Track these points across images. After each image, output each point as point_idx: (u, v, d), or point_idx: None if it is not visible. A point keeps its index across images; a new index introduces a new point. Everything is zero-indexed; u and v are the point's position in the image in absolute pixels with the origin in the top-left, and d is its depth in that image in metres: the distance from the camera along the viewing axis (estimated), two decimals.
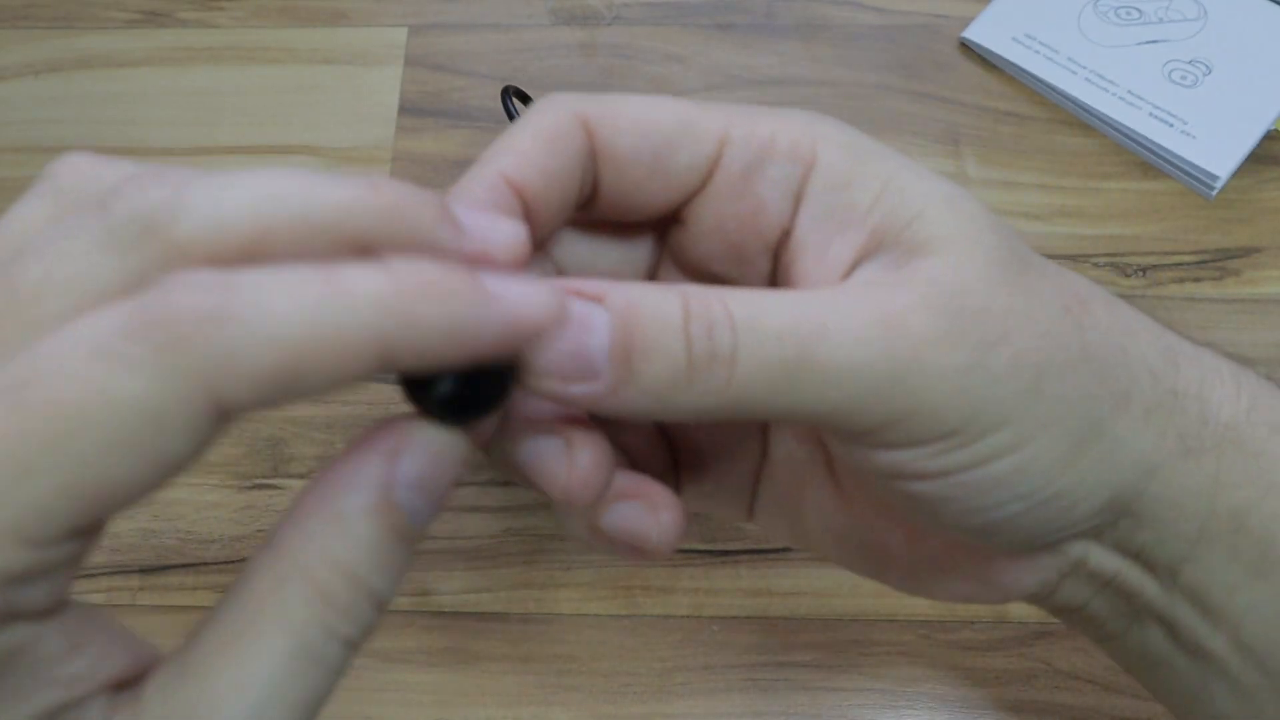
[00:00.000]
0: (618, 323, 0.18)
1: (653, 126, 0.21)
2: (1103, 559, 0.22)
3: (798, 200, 0.22)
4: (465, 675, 0.36)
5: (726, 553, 0.37)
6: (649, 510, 0.22)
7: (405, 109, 0.47)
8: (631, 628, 0.36)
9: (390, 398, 0.40)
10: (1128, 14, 0.46)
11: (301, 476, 0.39)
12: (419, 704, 0.36)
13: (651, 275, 0.25)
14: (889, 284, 0.20)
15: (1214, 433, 0.21)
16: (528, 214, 0.21)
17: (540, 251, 0.23)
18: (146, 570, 0.38)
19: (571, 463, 0.20)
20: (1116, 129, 0.44)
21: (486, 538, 0.38)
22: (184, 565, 0.38)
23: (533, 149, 0.21)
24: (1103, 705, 0.35)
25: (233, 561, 0.38)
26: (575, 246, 0.24)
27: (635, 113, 0.21)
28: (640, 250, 0.24)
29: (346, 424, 0.40)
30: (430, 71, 0.48)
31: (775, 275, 0.23)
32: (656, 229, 0.24)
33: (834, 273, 0.21)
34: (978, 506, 0.20)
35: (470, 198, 0.20)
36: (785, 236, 0.22)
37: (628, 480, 0.22)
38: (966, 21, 0.47)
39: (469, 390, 0.18)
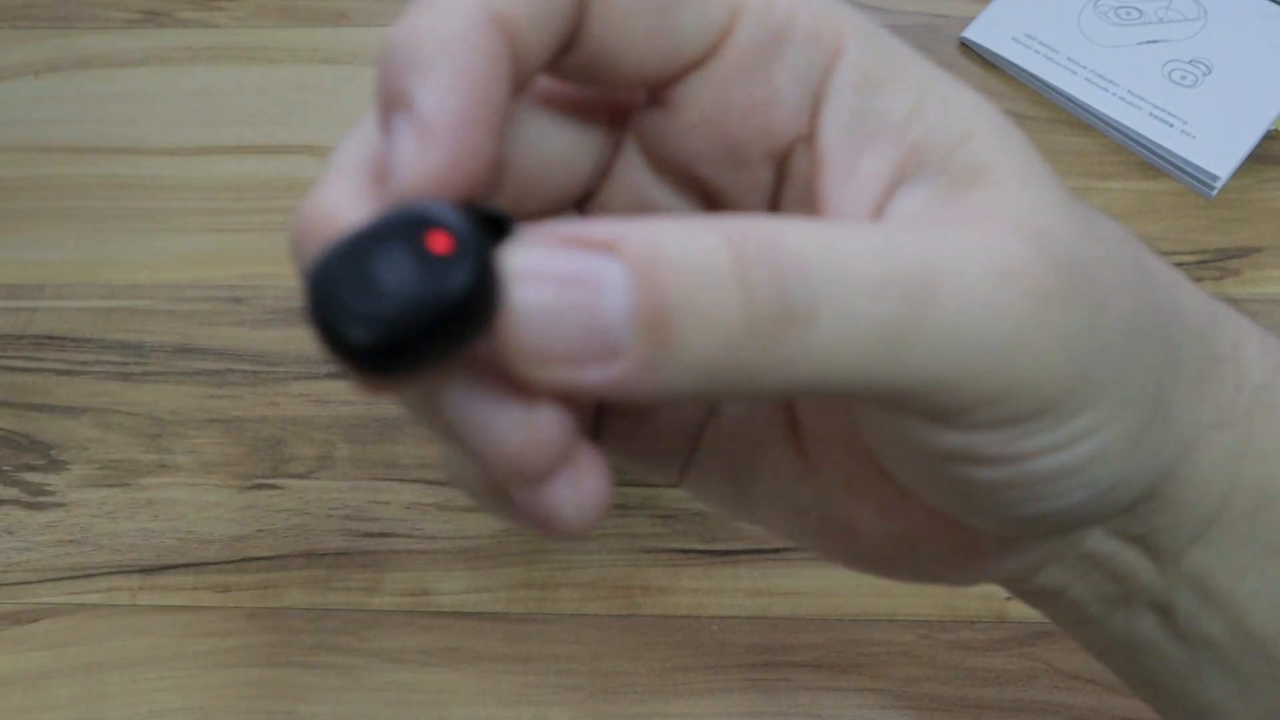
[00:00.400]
0: (641, 278, 0.14)
1: None
2: (1100, 542, 0.20)
3: (817, 98, 0.17)
4: (465, 675, 0.36)
5: (726, 553, 0.37)
6: (571, 481, 0.16)
7: None
8: (631, 628, 0.36)
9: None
10: (1128, 14, 0.46)
11: (302, 477, 0.39)
12: (419, 704, 0.36)
13: (604, 172, 0.20)
14: (972, 219, 0.16)
15: (1246, 398, 0.19)
16: (511, 63, 0.16)
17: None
18: (146, 570, 0.38)
19: (531, 424, 0.15)
20: (1116, 129, 0.44)
21: (486, 537, 0.38)
22: (184, 565, 0.38)
23: None
24: (1103, 705, 0.35)
25: (233, 561, 0.38)
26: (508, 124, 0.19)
27: None
28: (593, 136, 0.19)
29: (347, 424, 0.40)
30: None
31: (779, 191, 0.19)
32: (614, 111, 0.19)
33: (867, 194, 0.17)
34: (1039, 495, 0.17)
35: (446, 50, 0.15)
36: (796, 141, 0.18)
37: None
38: (966, 21, 0.47)
39: (402, 339, 0.13)
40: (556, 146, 0.19)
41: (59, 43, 0.49)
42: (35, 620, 0.37)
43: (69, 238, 0.45)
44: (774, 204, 0.19)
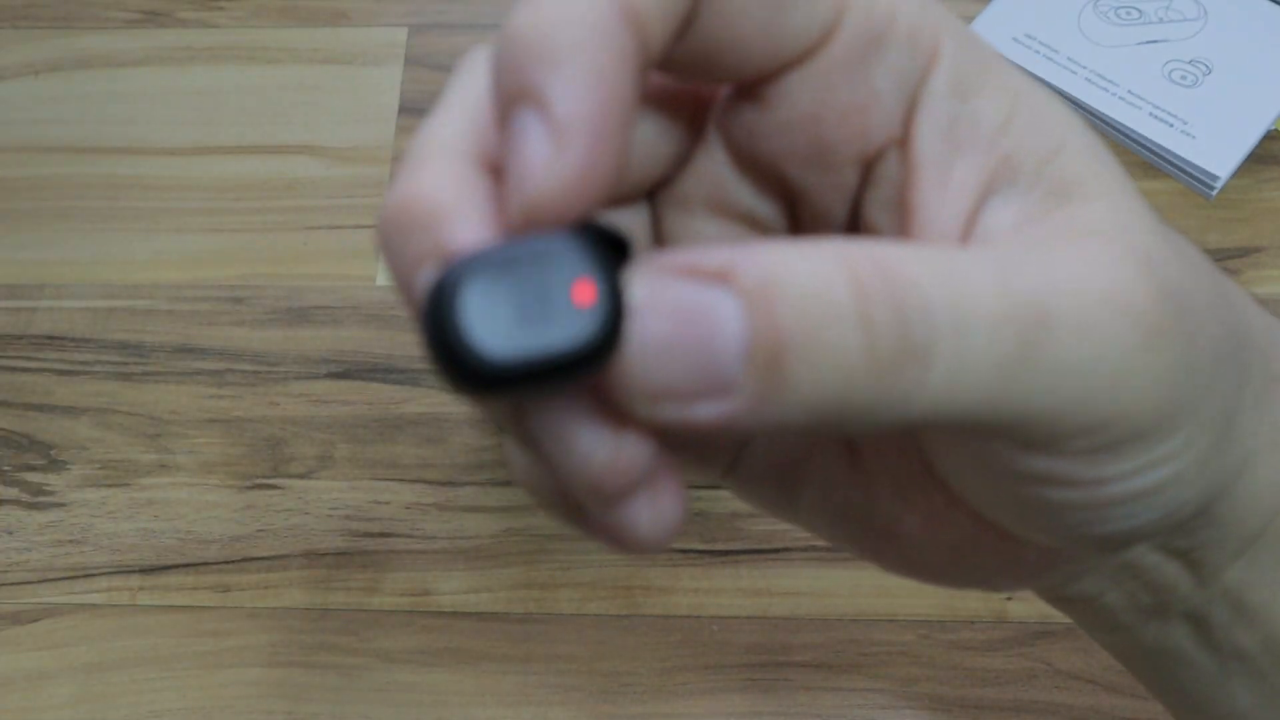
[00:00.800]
0: (756, 311, 0.13)
1: None
2: (1143, 555, 0.20)
3: (912, 102, 0.17)
4: (465, 675, 0.36)
5: (726, 553, 0.37)
6: (648, 499, 0.16)
7: (406, 109, 0.47)
8: (631, 628, 0.36)
9: (391, 398, 0.40)
10: (1128, 14, 0.46)
11: (302, 477, 0.39)
12: (419, 704, 0.36)
13: (684, 162, 0.19)
14: (1078, 237, 0.16)
15: None
16: (641, 57, 0.15)
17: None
18: (146, 570, 0.38)
19: (618, 448, 0.15)
20: (1117, 129, 0.44)
21: (487, 538, 0.38)
22: (184, 565, 0.38)
23: None
24: (1103, 705, 0.35)
25: (233, 561, 0.38)
26: None
27: None
28: (676, 125, 0.18)
29: (346, 424, 0.40)
30: (431, 71, 0.48)
31: (862, 194, 0.18)
32: (699, 101, 0.19)
33: (959, 204, 0.17)
34: (1109, 517, 0.17)
35: (580, 44, 0.14)
36: (888, 145, 0.17)
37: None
38: (966, 22, 0.47)
39: (526, 376, 0.13)
40: (640, 134, 0.18)
41: (59, 43, 0.49)
42: (35, 620, 0.37)
43: (69, 238, 0.45)
44: (856, 207, 0.19)
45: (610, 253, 0.14)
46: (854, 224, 0.19)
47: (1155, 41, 0.45)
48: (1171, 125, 0.43)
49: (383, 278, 0.42)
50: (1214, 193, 0.43)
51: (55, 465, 0.40)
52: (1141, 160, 0.44)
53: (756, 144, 0.18)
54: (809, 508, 0.22)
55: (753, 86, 0.17)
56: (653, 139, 0.18)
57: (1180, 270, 0.16)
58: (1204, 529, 0.19)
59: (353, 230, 0.43)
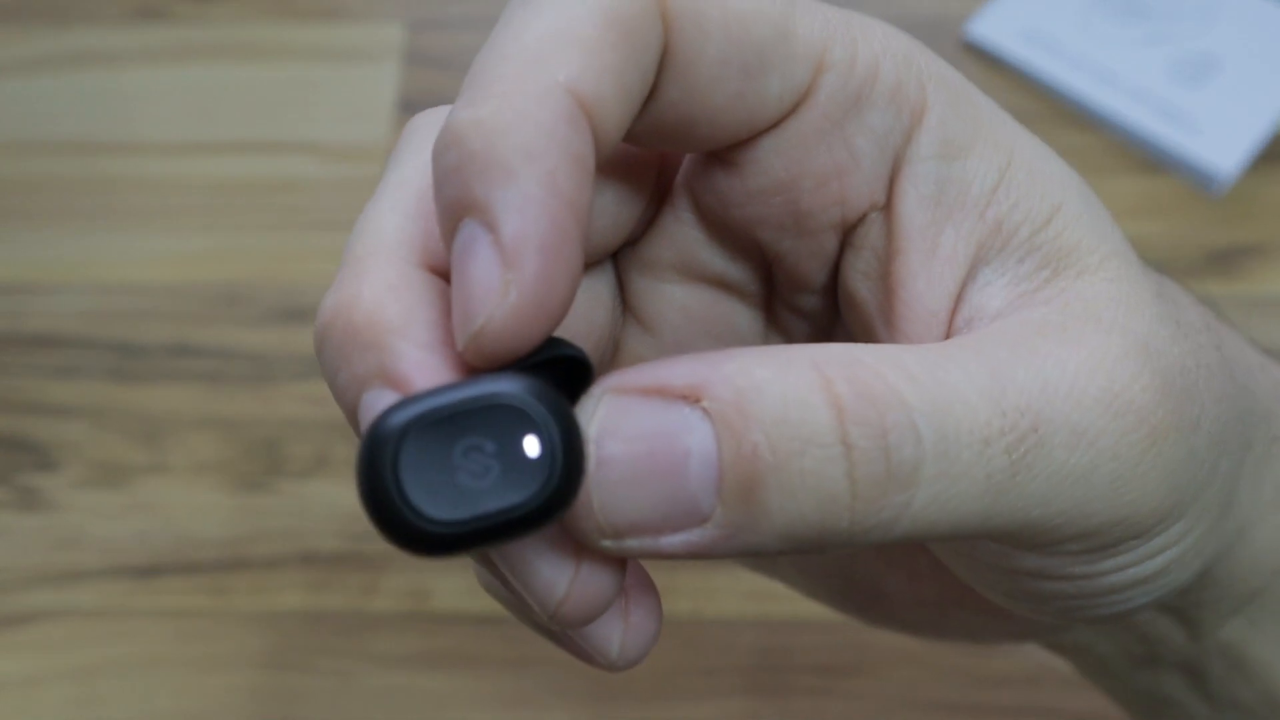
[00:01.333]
0: (729, 435, 0.12)
1: (746, 32, 0.14)
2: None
3: (896, 164, 0.16)
4: (463, 678, 0.36)
5: None
6: (618, 620, 0.15)
7: (402, 106, 0.46)
8: None
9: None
10: (1133, 10, 0.46)
11: (298, 478, 0.39)
12: (416, 708, 0.35)
13: (649, 223, 0.18)
14: (1070, 328, 0.15)
15: None
16: (595, 156, 0.14)
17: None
18: (140, 573, 0.38)
19: (581, 577, 0.14)
20: (1121, 126, 0.44)
21: None
22: (179, 568, 0.38)
23: (602, 43, 0.13)
24: (1108, 710, 0.34)
25: (228, 564, 0.38)
26: None
27: (726, 8, 0.14)
28: (639, 190, 0.17)
29: (343, 425, 0.40)
30: (427, 68, 0.47)
31: (842, 259, 0.17)
32: (663, 164, 0.17)
33: (948, 275, 0.16)
34: (1102, 603, 0.16)
35: (531, 156, 0.13)
36: (870, 210, 0.16)
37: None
38: (970, 18, 0.47)
39: (474, 539, 0.12)
40: (601, 202, 0.17)
41: (53, 38, 0.49)
42: (28, 623, 0.37)
43: (61, 236, 0.44)
44: (835, 271, 0.17)
45: (567, 379, 0.13)
46: (833, 288, 0.18)
47: (1160, 38, 0.45)
48: (1177, 122, 0.43)
49: None
50: (1220, 190, 0.42)
51: (48, 467, 0.40)
52: (1147, 158, 0.44)
53: (728, 210, 0.17)
54: (788, 563, 0.21)
55: (723, 151, 0.16)
56: (613, 205, 0.17)
57: (1182, 351, 0.15)
58: (1200, 590, 0.18)
59: (350, 229, 0.43)
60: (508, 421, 0.12)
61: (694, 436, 0.13)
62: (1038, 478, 0.14)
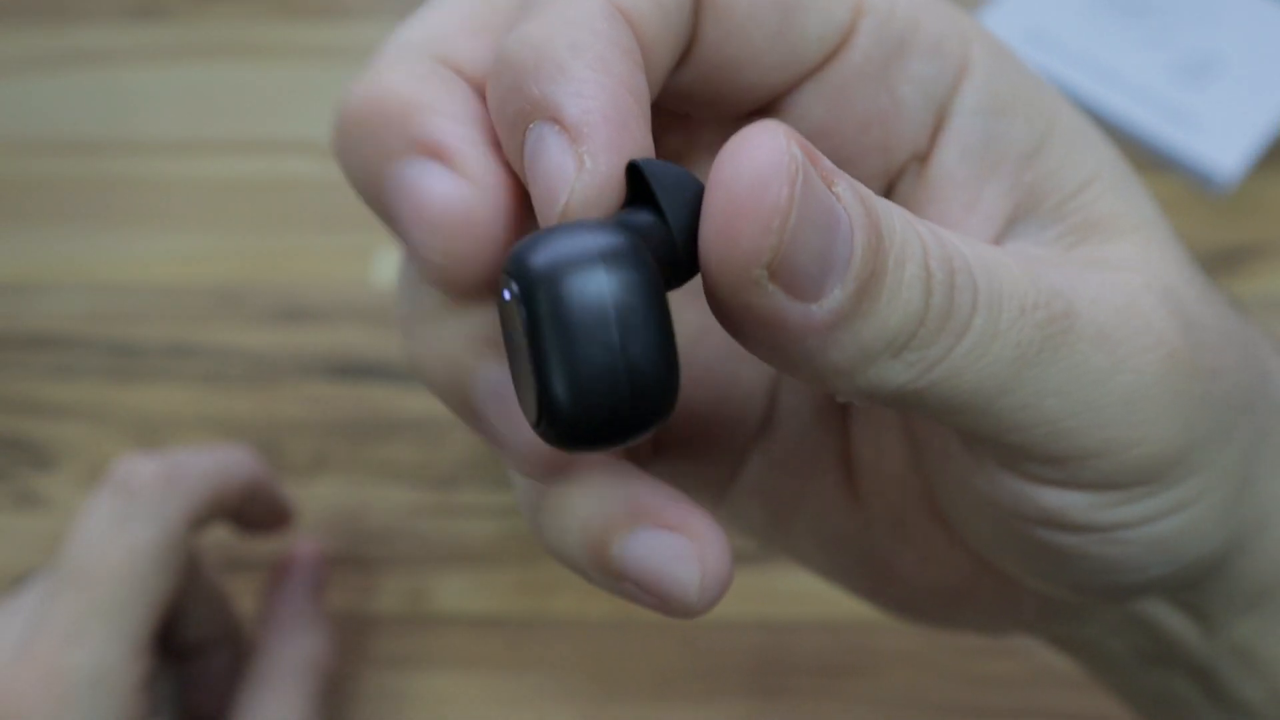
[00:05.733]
0: (865, 225, 0.13)
1: None
2: (1149, 604, 0.19)
3: (941, 115, 0.16)
4: (462, 679, 0.36)
5: None
6: (691, 548, 0.15)
7: None
8: (629, 632, 0.36)
9: (387, 399, 0.40)
10: (1135, 10, 0.46)
11: (297, 478, 0.39)
12: (415, 709, 0.35)
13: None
14: (1102, 266, 0.15)
15: None
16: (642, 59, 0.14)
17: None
18: None
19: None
20: (1123, 126, 0.44)
21: (484, 540, 0.38)
22: None
23: None
24: (1109, 712, 0.34)
25: (227, 565, 0.37)
26: None
27: None
28: (702, 157, 0.18)
29: (342, 426, 0.40)
30: None
31: None
32: (714, 123, 0.18)
33: (985, 233, 0.16)
34: (1119, 568, 0.16)
35: (577, 47, 0.13)
36: (912, 162, 0.16)
37: (657, 496, 0.15)
38: (975, 15, 0.47)
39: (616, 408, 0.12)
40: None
41: (50, 36, 0.49)
42: None
43: (60, 236, 0.44)
44: None
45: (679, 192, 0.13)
46: None
47: (1164, 38, 0.45)
48: (1180, 122, 0.43)
49: (377, 276, 0.42)
50: (1223, 190, 0.42)
51: (46, 467, 0.40)
52: (1149, 158, 0.44)
53: None
54: (803, 536, 0.21)
55: (765, 107, 0.16)
56: None
57: (1204, 310, 0.16)
58: (1216, 582, 0.18)
59: (349, 229, 0.43)
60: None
61: (841, 209, 0.12)
62: (1061, 363, 0.14)
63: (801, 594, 0.36)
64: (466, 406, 0.15)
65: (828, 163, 0.13)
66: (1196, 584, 0.18)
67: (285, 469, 0.39)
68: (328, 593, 0.37)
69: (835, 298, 0.12)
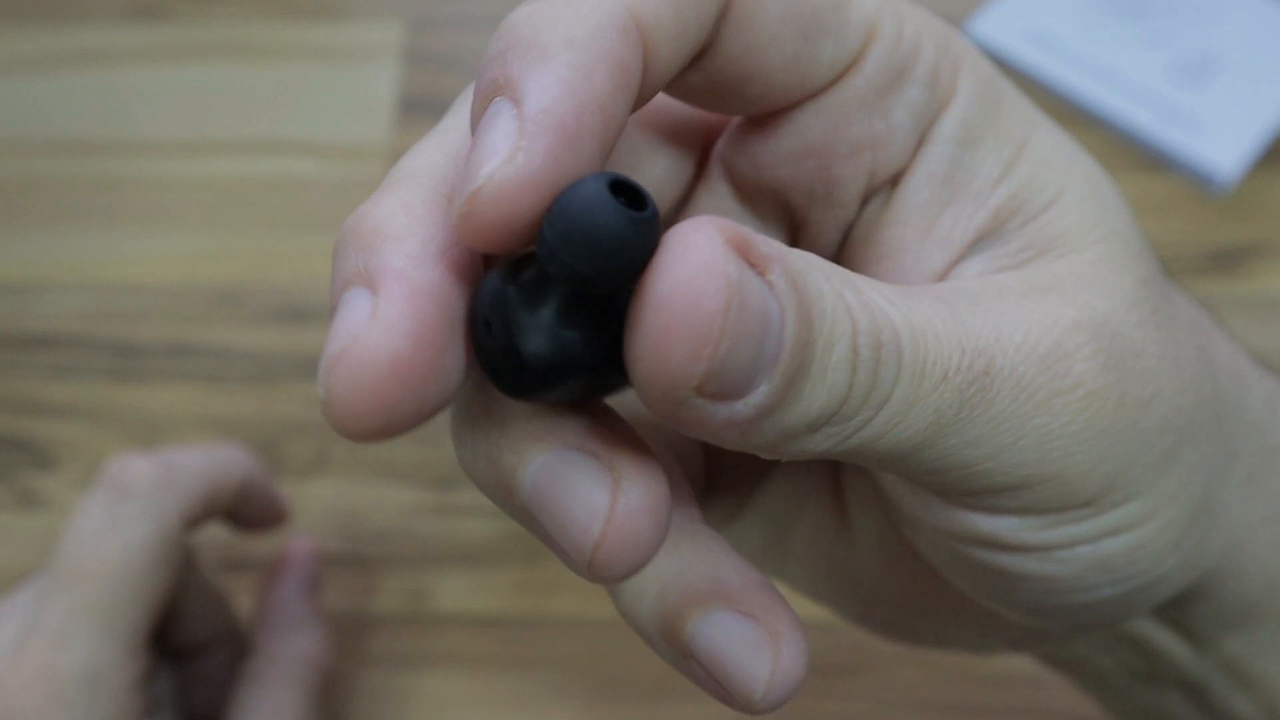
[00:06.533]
0: (795, 316, 0.12)
1: None
2: (1135, 621, 0.20)
3: (921, 141, 0.16)
4: (462, 679, 0.36)
5: None
6: (765, 638, 0.14)
7: (402, 106, 0.46)
8: (629, 632, 0.36)
9: None
10: (1134, 10, 0.46)
11: (297, 478, 0.39)
12: (415, 709, 0.35)
13: (687, 198, 0.18)
14: (1030, 294, 0.15)
15: None
16: (641, 74, 0.14)
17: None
18: None
19: (617, 496, 0.13)
20: (1122, 126, 0.44)
21: (484, 540, 0.38)
22: None
23: None
24: (1111, 714, 0.34)
25: (227, 564, 0.37)
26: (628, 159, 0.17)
27: None
28: (685, 159, 0.17)
29: None
30: (427, 67, 0.47)
31: (853, 226, 0.17)
32: (707, 132, 0.18)
33: (941, 254, 0.16)
34: (1066, 588, 0.16)
35: (572, 44, 0.13)
36: (887, 182, 0.17)
37: (743, 577, 0.15)
38: (971, 18, 0.47)
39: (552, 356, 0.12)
40: (653, 172, 0.17)
41: (50, 36, 0.49)
42: None
43: (59, 236, 0.44)
44: (843, 240, 0.18)
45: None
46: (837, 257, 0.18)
47: (1163, 38, 0.45)
48: (1179, 122, 0.43)
49: None
50: (1222, 190, 0.42)
51: (46, 467, 0.40)
52: (1148, 158, 0.44)
53: (761, 174, 0.17)
54: (797, 562, 0.21)
55: (765, 115, 0.16)
56: (667, 174, 0.17)
57: (1145, 337, 0.16)
58: (1198, 603, 0.18)
59: None
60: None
61: (770, 305, 0.12)
62: (978, 420, 0.14)
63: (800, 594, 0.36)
64: (520, 511, 0.14)
65: (763, 247, 0.12)
66: (1175, 604, 0.18)
67: (285, 469, 0.39)
68: (328, 593, 0.37)
69: (761, 393, 0.12)
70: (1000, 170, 0.16)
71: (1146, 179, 0.43)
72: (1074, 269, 0.16)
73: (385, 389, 0.12)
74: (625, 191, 0.12)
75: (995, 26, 0.46)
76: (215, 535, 0.37)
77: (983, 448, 0.14)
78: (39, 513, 0.39)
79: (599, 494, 0.13)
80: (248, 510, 0.33)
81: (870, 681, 0.35)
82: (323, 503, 0.38)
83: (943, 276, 0.17)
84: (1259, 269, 0.41)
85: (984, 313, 0.15)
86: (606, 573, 0.13)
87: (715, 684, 0.15)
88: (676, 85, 0.16)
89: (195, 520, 0.30)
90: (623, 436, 0.14)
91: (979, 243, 0.16)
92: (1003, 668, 0.35)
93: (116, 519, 0.28)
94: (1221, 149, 0.42)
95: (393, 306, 0.13)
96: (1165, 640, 0.20)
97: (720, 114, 0.17)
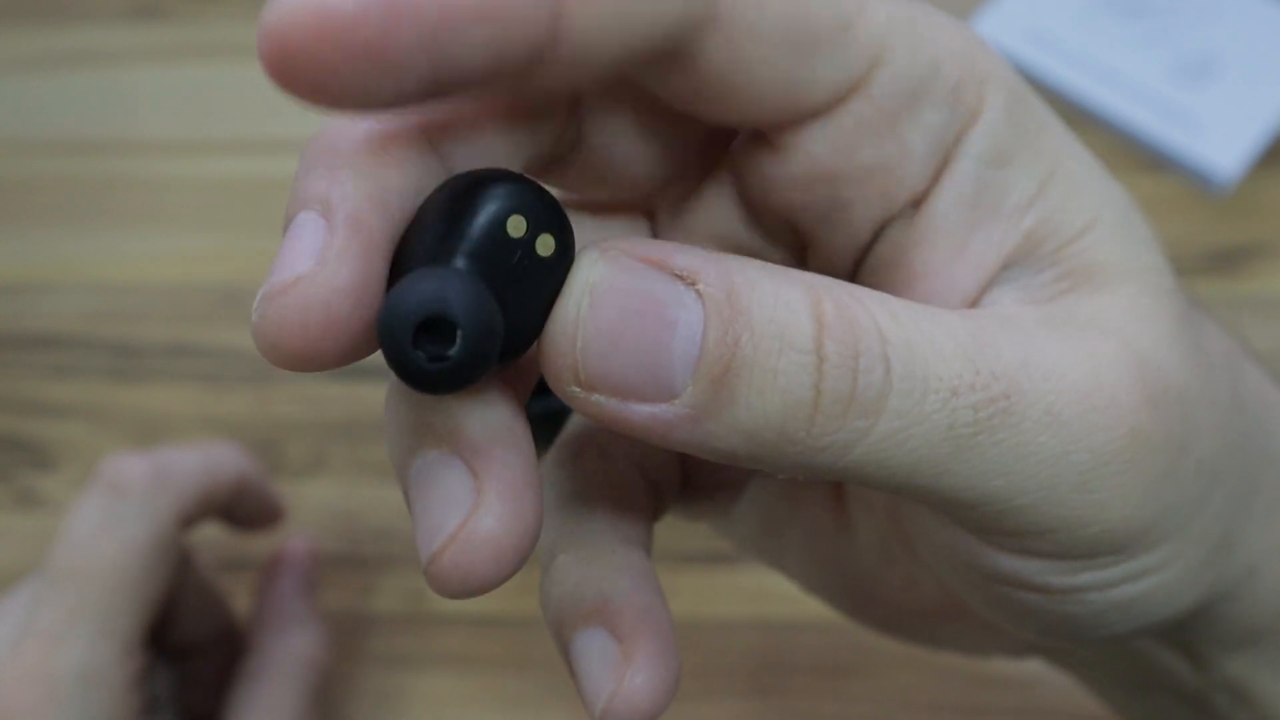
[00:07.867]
0: (717, 321, 0.13)
1: (807, 13, 0.14)
2: (1137, 640, 0.19)
3: (945, 161, 0.16)
4: (462, 679, 0.36)
5: (726, 557, 0.37)
6: (619, 661, 0.15)
7: None
8: None
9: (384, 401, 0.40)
10: (1134, 10, 0.46)
11: (296, 478, 0.39)
12: (416, 707, 0.35)
13: (691, 190, 0.18)
14: (1075, 326, 0.15)
15: None
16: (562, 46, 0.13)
17: (563, 113, 0.15)
18: None
19: (468, 521, 0.13)
20: (1122, 126, 0.44)
21: None
22: None
23: None
24: (1110, 713, 0.34)
25: (226, 564, 0.37)
26: (609, 134, 0.16)
27: None
28: (672, 153, 0.17)
29: (341, 426, 0.40)
30: None
31: (869, 252, 0.17)
32: (708, 142, 0.17)
33: (971, 277, 0.16)
34: (1081, 626, 0.16)
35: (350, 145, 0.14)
36: (908, 205, 0.16)
37: (624, 601, 0.15)
38: (971, 18, 0.47)
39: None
40: (640, 168, 0.17)
41: (51, 37, 0.49)
42: None
43: (59, 236, 0.44)
44: (857, 266, 0.17)
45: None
46: (853, 279, 0.17)
47: (1163, 38, 0.45)
48: (1180, 123, 0.43)
49: None
50: (1223, 191, 0.42)
51: (46, 467, 0.40)
52: (1149, 158, 0.44)
53: (769, 194, 0.16)
54: (794, 555, 0.21)
55: (769, 132, 0.16)
56: (640, 158, 0.17)
57: (1185, 376, 0.15)
58: (1203, 626, 0.18)
59: None
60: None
61: (684, 312, 0.13)
62: (1002, 445, 0.14)
63: (801, 594, 0.36)
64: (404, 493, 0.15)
65: (684, 260, 0.13)
66: (1182, 626, 0.18)
67: (284, 469, 0.39)
68: (326, 592, 0.37)
69: (689, 394, 0.13)
70: (1034, 190, 0.16)
71: (1146, 179, 0.43)
72: (1113, 303, 0.15)
73: (314, 337, 0.13)
74: (436, 327, 0.12)
75: (995, 26, 0.46)
76: (213, 535, 0.37)
77: (1016, 480, 0.14)
78: (38, 512, 0.39)
79: (452, 514, 0.13)
80: (243, 509, 0.33)
81: (870, 682, 0.35)
82: (321, 502, 0.38)
83: (975, 301, 0.16)
84: (1259, 269, 0.41)
85: (1012, 338, 0.14)
86: (437, 588, 0.13)
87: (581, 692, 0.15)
88: (661, 85, 0.15)
89: (191, 519, 0.30)
90: (517, 452, 0.14)
91: (1011, 267, 0.16)
92: (1003, 668, 0.35)
93: (112, 519, 0.28)
94: (1221, 149, 0.42)
95: (343, 260, 0.13)
96: (1166, 657, 0.20)
97: (712, 124, 0.16)
